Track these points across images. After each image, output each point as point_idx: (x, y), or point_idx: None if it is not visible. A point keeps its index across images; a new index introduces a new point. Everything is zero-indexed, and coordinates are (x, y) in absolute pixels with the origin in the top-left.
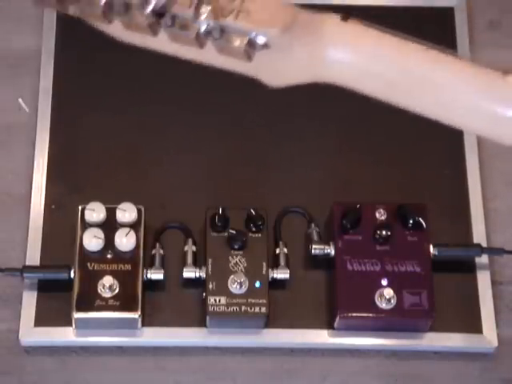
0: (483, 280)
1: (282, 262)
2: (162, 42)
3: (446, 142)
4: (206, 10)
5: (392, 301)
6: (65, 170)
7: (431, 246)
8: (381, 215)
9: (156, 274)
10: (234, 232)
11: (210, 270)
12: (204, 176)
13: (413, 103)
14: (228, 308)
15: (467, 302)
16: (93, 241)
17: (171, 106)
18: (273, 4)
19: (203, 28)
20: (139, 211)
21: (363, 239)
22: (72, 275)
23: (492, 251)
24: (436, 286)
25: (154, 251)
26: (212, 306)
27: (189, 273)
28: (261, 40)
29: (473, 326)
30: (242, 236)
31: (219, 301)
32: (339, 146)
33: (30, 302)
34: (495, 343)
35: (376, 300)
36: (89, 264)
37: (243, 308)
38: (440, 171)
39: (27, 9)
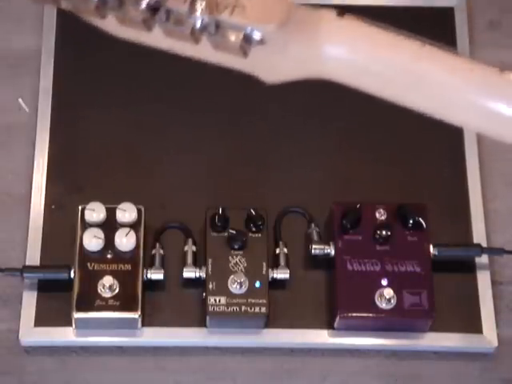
0: (483, 280)
1: (282, 261)
2: (157, 38)
3: (446, 142)
4: (201, 5)
5: (392, 301)
6: (65, 169)
7: (431, 246)
8: (381, 215)
9: (156, 274)
10: (234, 232)
11: (210, 269)
12: (204, 176)
13: (409, 99)
14: (228, 308)
15: (467, 301)
16: (93, 241)
17: (171, 106)
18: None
19: (198, 23)
20: (139, 211)
21: (363, 239)
22: (72, 275)
23: (492, 251)
24: (436, 286)
25: (153, 251)
26: (212, 306)
27: (189, 273)
28: (256, 36)
29: (473, 326)
30: (241, 236)
31: (219, 301)
32: (339, 146)
33: (30, 301)
34: (495, 343)
35: (376, 300)
36: (89, 264)
37: (243, 308)
38: (440, 171)
39: (27, 9)
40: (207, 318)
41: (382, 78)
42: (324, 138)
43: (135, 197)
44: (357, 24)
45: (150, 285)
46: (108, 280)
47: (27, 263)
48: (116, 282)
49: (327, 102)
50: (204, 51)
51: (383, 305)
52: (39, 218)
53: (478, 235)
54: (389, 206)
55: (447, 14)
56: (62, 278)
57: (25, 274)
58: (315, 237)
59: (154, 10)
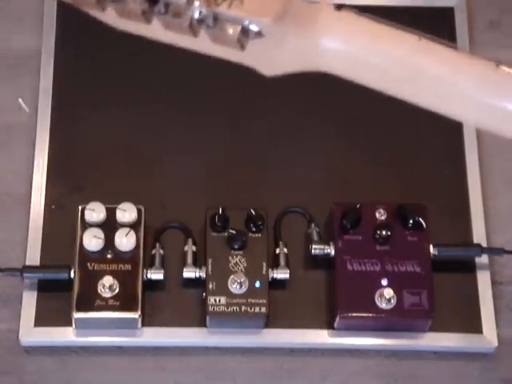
0: (483, 280)
1: (282, 262)
2: (156, 30)
3: (445, 141)
4: None
5: (392, 301)
6: (65, 169)
7: (431, 246)
8: (381, 215)
9: (156, 274)
10: (234, 232)
11: (210, 269)
12: (204, 176)
13: (405, 92)
14: (228, 308)
15: (467, 302)
16: (93, 241)
17: (171, 107)
18: None
19: (196, 14)
20: (139, 211)
21: (363, 239)
22: (72, 275)
23: (492, 251)
24: (436, 286)
25: (153, 251)
26: (212, 306)
27: (189, 273)
28: (254, 29)
29: (473, 326)
30: (242, 236)
31: (219, 301)
32: (339, 146)
33: (30, 301)
34: (495, 343)
35: (376, 300)
36: (89, 264)
37: (243, 308)
38: (440, 171)
39: (27, 9)
40: (207, 318)
41: (378, 70)
42: (324, 138)
43: (135, 197)
44: (354, 17)
45: (150, 285)
46: (108, 280)
47: (27, 263)
48: (116, 281)
49: (327, 103)
50: (202, 44)
51: (383, 305)
52: (39, 218)
53: (478, 235)
54: (389, 206)
55: (447, 14)
56: (61, 277)
57: (25, 274)
58: (315, 237)
59: (152, 2)
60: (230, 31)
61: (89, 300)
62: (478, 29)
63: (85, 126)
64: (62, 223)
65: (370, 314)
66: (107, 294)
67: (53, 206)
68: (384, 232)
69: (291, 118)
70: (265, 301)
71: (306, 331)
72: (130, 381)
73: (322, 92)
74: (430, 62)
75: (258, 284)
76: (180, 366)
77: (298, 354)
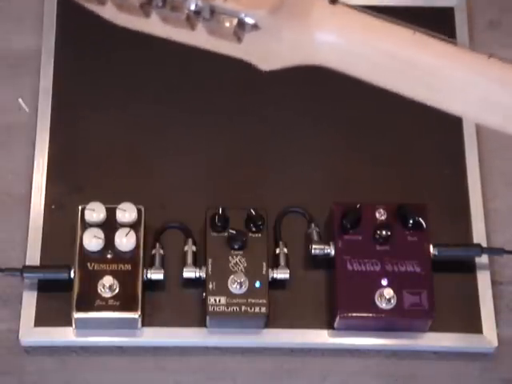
0: (483, 280)
1: (282, 262)
2: (154, 25)
3: (445, 141)
4: None
5: (392, 301)
6: (65, 169)
7: (431, 246)
8: (381, 215)
9: (156, 274)
10: (234, 232)
11: (210, 269)
12: (204, 176)
13: (400, 85)
14: (228, 308)
15: (467, 302)
16: (93, 241)
17: (171, 107)
18: None
19: (193, 6)
20: (139, 211)
21: (363, 239)
22: (72, 275)
23: (492, 251)
24: (436, 286)
25: (154, 251)
26: (212, 306)
27: (189, 273)
28: (249, 21)
29: (473, 326)
30: (242, 236)
31: (219, 301)
32: (339, 146)
33: (30, 301)
34: (495, 343)
35: (376, 300)
36: (89, 264)
37: (243, 308)
38: (440, 171)
39: (27, 9)
40: (207, 318)
41: (373, 64)
42: (324, 138)
43: (135, 197)
44: (349, 11)
45: (150, 285)
46: (108, 280)
47: (27, 263)
48: (116, 282)
49: (327, 103)
50: (200, 38)
51: (383, 305)
52: (39, 218)
53: (478, 235)
54: (389, 206)
55: (447, 13)
56: (61, 277)
57: (25, 274)
58: (315, 237)
59: None
60: (227, 24)
61: (89, 300)
62: (478, 29)
63: (85, 126)
64: (62, 223)
65: (370, 314)
66: (107, 294)
67: (53, 206)
68: (384, 232)
69: (291, 118)
70: (265, 301)
71: (305, 331)
72: (130, 381)
73: (321, 93)
74: (424, 55)
75: (258, 284)
76: (180, 365)
77: (298, 353)
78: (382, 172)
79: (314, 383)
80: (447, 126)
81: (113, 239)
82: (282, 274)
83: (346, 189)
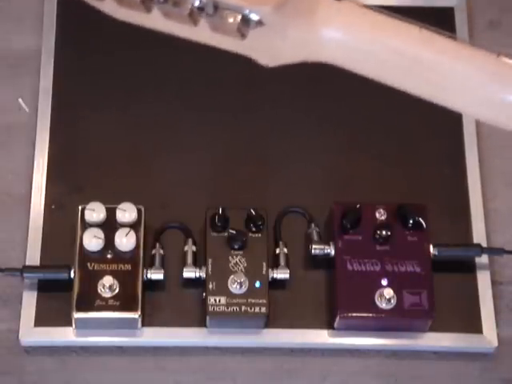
0: (483, 280)
1: (282, 262)
2: (156, 20)
3: (445, 141)
4: None
5: (392, 301)
6: (65, 169)
7: (431, 246)
8: (381, 215)
9: (156, 274)
10: (234, 232)
11: (210, 269)
12: (204, 176)
13: (406, 83)
14: (228, 308)
15: (467, 301)
16: (93, 241)
17: (171, 106)
18: None
19: (196, 3)
20: (139, 211)
21: (363, 239)
22: (72, 275)
23: (492, 251)
24: (436, 286)
25: (154, 251)
26: (212, 306)
27: (189, 273)
28: (254, 17)
29: (473, 325)
30: (242, 236)
31: (219, 301)
32: (339, 146)
33: (30, 301)
34: (495, 343)
35: (376, 300)
36: (89, 264)
37: (243, 308)
38: (440, 171)
39: (27, 9)
40: (207, 318)
41: (379, 61)
42: (324, 138)
43: (135, 197)
44: (355, 7)
45: (150, 285)
46: (108, 280)
47: (27, 263)
48: (116, 282)
49: (327, 102)
50: (202, 34)
51: (383, 305)
52: (39, 218)
53: (478, 235)
54: (389, 206)
55: (447, 13)
56: (62, 277)
57: (25, 274)
58: (315, 237)
59: None
60: (230, 20)
61: (89, 300)
62: (478, 29)
63: (85, 126)
64: (62, 223)
65: (370, 314)
66: (107, 294)
67: (53, 206)
68: (384, 232)
69: (291, 117)
70: (265, 301)
71: (305, 331)
72: (130, 381)
73: (322, 93)
74: (431, 53)
75: (258, 284)
76: (180, 365)
77: (297, 353)
78: (382, 172)
79: (314, 383)
80: (447, 126)
81: (113, 239)
82: (281, 273)
83: (346, 189)
